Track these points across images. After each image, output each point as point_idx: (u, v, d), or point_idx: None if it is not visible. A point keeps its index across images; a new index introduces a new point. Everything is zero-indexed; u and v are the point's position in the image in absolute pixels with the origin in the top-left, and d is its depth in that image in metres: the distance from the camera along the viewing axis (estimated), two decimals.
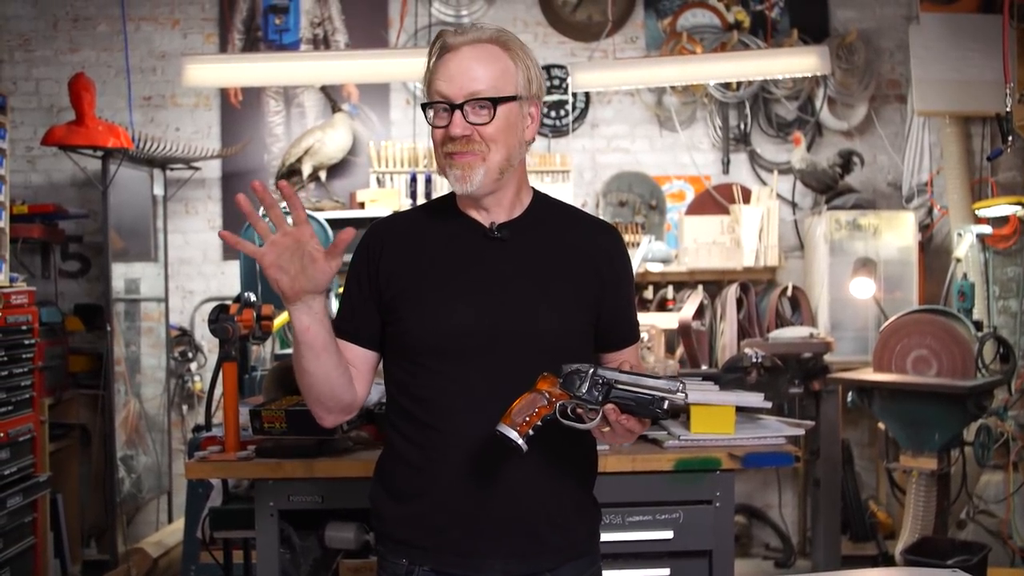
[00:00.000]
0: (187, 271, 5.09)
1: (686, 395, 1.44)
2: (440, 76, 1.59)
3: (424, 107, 1.62)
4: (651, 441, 2.37)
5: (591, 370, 1.46)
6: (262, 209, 1.52)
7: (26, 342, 3.69)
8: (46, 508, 3.96)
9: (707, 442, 2.31)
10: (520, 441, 1.43)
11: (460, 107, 1.57)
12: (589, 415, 1.46)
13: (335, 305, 3.68)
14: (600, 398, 1.46)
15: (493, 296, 1.61)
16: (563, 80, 5.07)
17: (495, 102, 1.57)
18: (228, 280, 5.01)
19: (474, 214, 1.67)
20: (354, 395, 1.66)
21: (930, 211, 5.04)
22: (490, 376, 1.57)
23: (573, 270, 1.66)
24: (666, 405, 1.43)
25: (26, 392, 3.68)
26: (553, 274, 1.65)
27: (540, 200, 1.73)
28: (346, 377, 1.63)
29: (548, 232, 1.68)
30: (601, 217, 4.89)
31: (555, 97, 5.07)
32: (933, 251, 5.04)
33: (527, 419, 1.44)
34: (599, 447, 1.78)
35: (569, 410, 1.47)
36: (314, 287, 1.50)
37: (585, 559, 1.70)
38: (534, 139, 1.69)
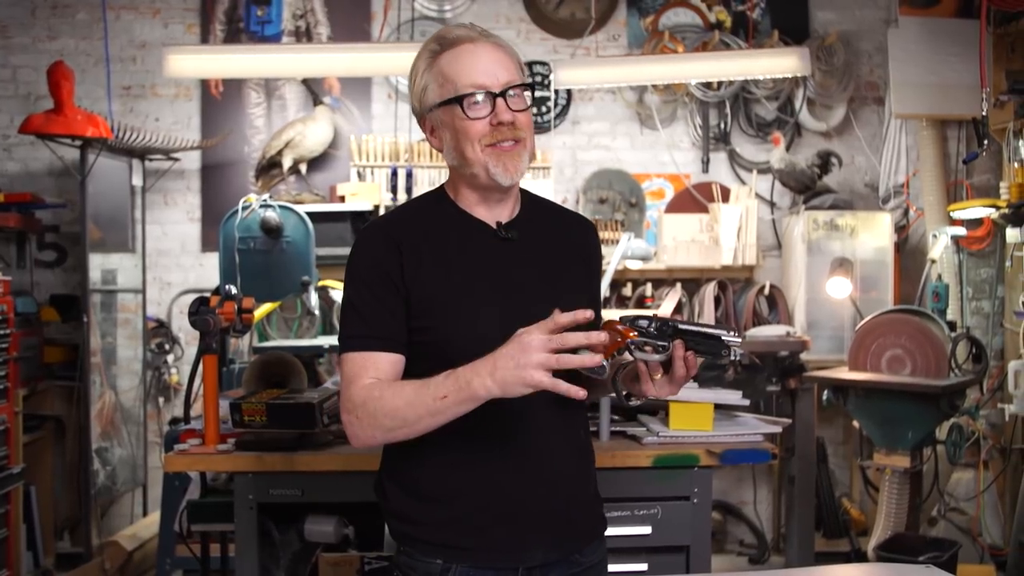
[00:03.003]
0: (165, 262, 5.05)
1: (740, 341, 1.49)
2: (471, 68, 1.59)
3: (460, 102, 1.58)
4: (630, 437, 2.39)
5: (652, 315, 1.54)
6: None
7: (1, 332, 3.65)
8: (19, 500, 3.92)
9: (685, 439, 2.33)
10: (605, 363, 1.45)
11: (502, 95, 1.59)
12: (658, 350, 1.52)
13: (314, 298, 3.67)
14: (668, 334, 1.51)
15: (514, 298, 1.61)
16: (545, 77, 5.08)
17: (531, 88, 1.63)
18: (206, 272, 4.98)
19: (480, 213, 1.66)
20: None
21: (906, 212, 5.10)
22: None
23: (572, 266, 1.72)
24: (730, 346, 1.49)
25: (0, 383, 3.65)
26: (561, 272, 1.69)
27: (527, 197, 1.75)
28: None
29: (544, 230, 1.71)
30: (581, 213, 4.92)
31: (538, 94, 5.07)
32: (909, 252, 5.10)
33: (606, 347, 1.47)
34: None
35: (638, 346, 1.52)
36: None
37: (598, 540, 1.75)
38: None
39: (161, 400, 5.01)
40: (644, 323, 1.53)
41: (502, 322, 1.52)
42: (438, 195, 1.72)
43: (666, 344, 1.51)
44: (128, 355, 4.93)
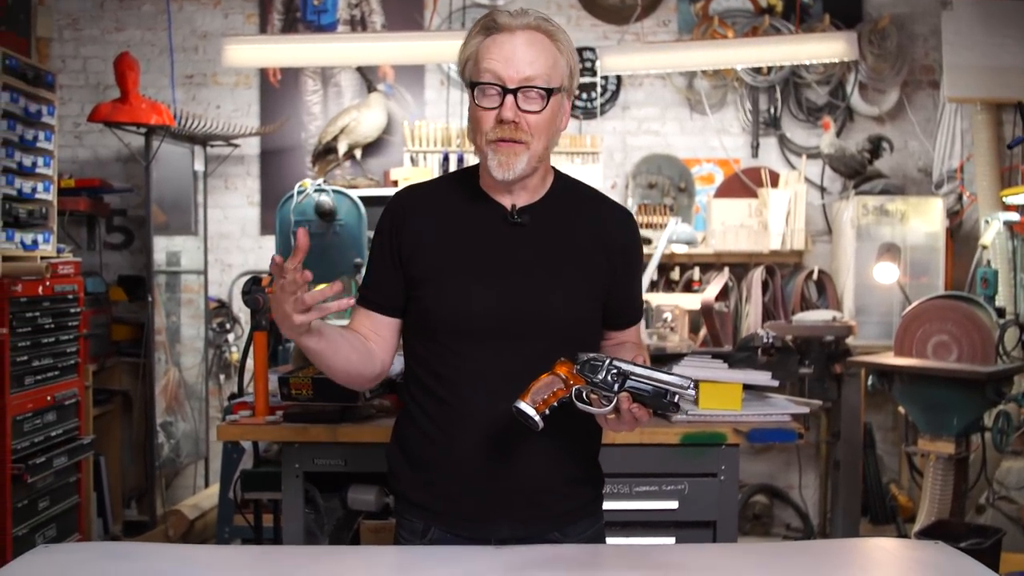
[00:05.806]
0: (226, 245, 5.24)
1: (697, 393, 1.49)
2: (493, 56, 1.58)
3: (472, 85, 1.60)
4: (658, 415, 2.45)
5: (608, 360, 1.54)
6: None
7: (72, 311, 3.84)
8: (89, 469, 4.13)
9: (713, 417, 2.37)
10: (537, 418, 1.51)
11: (514, 92, 1.57)
12: (603, 401, 1.53)
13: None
14: (616, 387, 1.53)
15: (511, 282, 1.66)
16: (594, 63, 5.13)
17: (549, 92, 1.59)
18: (265, 254, 5.15)
19: (497, 196, 1.70)
20: (376, 364, 1.75)
21: (960, 198, 5.03)
22: (503, 358, 1.64)
23: (587, 256, 1.71)
24: (677, 399, 1.50)
25: (72, 358, 3.84)
26: (568, 261, 1.69)
27: (561, 181, 1.76)
28: (365, 356, 1.71)
29: (566, 217, 1.72)
30: (624, 200, 4.96)
31: (586, 79, 5.13)
32: (963, 238, 5.04)
33: (545, 399, 1.52)
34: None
35: (584, 395, 1.55)
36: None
37: (588, 520, 1.79)
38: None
39: (222, 377, 5.21)
40: (599, 363, 1.53)
41: (499, 302, 1.64)
42: (468, 173, 1.76)
43: (612, 396, 1.52)
44: (191, 334, 5.14)
